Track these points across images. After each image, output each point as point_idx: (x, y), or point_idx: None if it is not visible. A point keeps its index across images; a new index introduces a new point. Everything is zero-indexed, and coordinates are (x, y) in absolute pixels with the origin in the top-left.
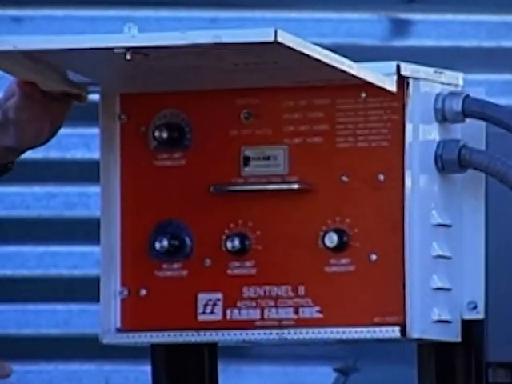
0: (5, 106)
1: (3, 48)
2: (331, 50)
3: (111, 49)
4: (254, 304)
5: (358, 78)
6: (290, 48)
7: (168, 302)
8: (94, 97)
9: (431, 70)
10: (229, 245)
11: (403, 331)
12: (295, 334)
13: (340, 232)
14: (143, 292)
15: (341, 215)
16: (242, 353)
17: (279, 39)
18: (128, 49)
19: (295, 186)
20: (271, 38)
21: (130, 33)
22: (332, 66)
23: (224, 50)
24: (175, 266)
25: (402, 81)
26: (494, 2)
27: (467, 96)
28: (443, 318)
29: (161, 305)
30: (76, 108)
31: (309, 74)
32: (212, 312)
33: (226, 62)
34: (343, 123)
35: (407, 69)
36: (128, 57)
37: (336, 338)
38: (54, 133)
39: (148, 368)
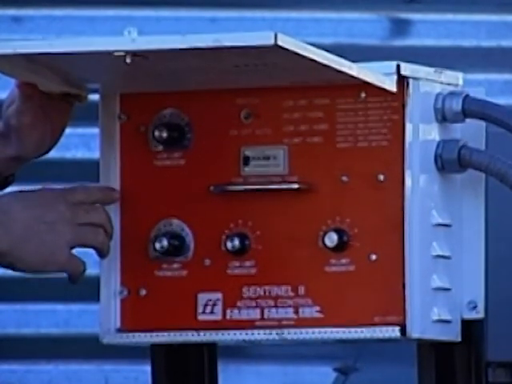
0: (6, 114)
1: (3, 51)
2: (331, 50)
3: (111, 52)
4: (253, 304)
5: (358, 78)
6: (290, 51)
7: (168, 301)
8: (94, 97)
9: (431, 69)
10: (229, 245)
11: (403, 331)
12: (295, 333)
13: (340, 232)
14: (143, 292)
15: (341, 215)
16: (241, 353)
17: (279, 43)
18: (128, 52)
19: (295, 186)
20: (271, 42)
21: (130, 36)
22: (332, 68)
23: (224, 53)
24: (175, 265)
25: (402, 81)
26: (494, 1)
27: (467, 96)
28: (443, 317)
29: (161, 305)
30: (76, 108)
31: (309, 75)
32: (212, 312)
33: (226, 63)
34: (343, 123)
35: (407, 69)
36: (128, 60)
37: (336, 337)
38: (57, 138)
39: (148, 368)
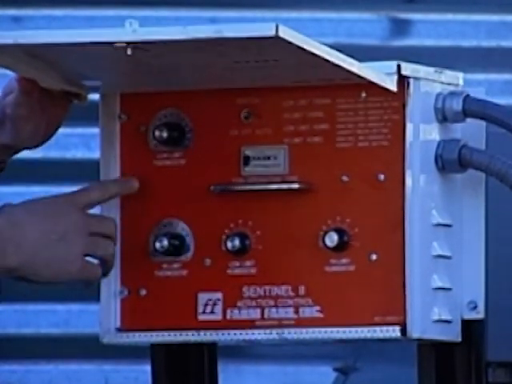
0: (3, 103)
1: (4, 42)
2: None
3: (112, 43)
4: (254, 304)
5: (359, 76)
6: (290, 43)
7: (168, 301)
8: (94, 97)
9: (431, 69)
10: (229, 244)
11: (403, 331)
12: (295, 333)
13: (340, 232)
14: (143, 292)
15: (341, 215)
16: (241, 353)
17: (280, 34)
18: (129, 43)
19: (295, 186)
20: (272, 33)
21: (131, 27)
22: (333, 63)
23: (225, 46)
24: (175, 265)
25: (403, 80)
26: (494, 1)
27: (467, 96)
28: (443, 317)
29: (161, 304)
30: (76, 108)
31: (309, 73)
32: (212, 312)
33: (227, 58)
34: (343, 123)
35: (407, 68)
36: (129, 52)
37: (336, 337)
38: (51, 133)
39: (148, 368)
